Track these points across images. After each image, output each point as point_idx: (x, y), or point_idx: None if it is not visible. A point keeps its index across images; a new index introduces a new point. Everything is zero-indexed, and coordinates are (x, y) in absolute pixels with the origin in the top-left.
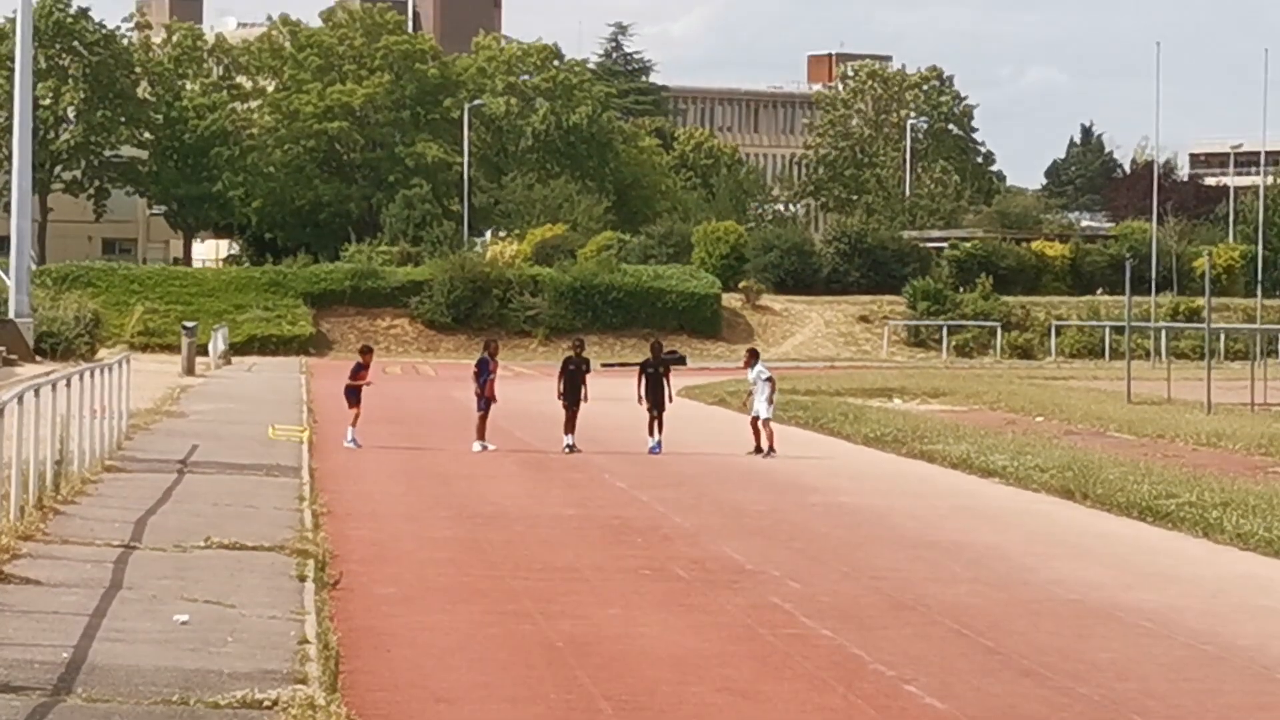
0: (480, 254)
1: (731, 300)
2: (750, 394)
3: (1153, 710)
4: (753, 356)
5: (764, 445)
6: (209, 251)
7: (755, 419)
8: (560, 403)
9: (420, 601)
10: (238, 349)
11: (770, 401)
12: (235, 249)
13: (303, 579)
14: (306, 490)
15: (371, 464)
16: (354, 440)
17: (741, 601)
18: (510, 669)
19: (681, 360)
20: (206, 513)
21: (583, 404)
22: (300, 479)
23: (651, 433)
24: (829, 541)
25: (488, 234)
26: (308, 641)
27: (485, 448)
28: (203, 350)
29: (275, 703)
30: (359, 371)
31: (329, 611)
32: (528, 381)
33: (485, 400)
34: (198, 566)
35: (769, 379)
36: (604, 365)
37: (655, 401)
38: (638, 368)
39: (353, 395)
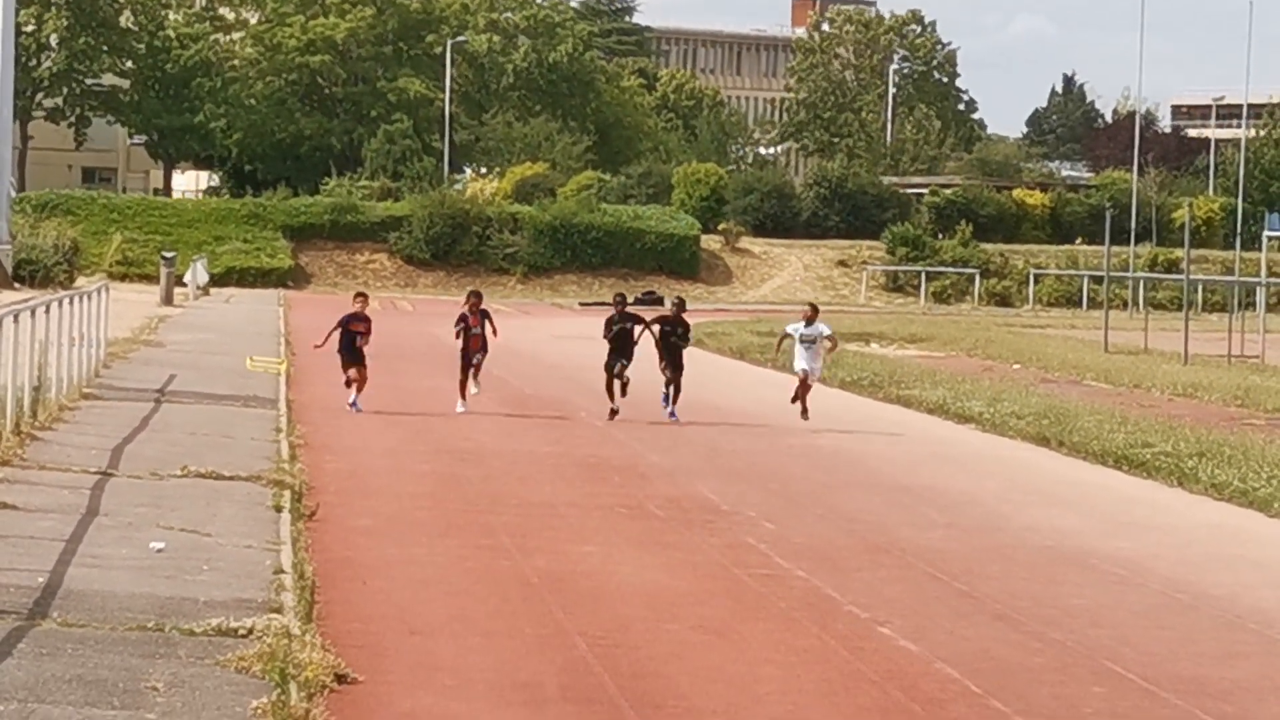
0: (460, 191)
1: (710, 242)
2: (800, 344)
3: (1125, 657)
4: (814, 311)
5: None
6: (189, 182)
7: (807, 376)
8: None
9: (397, 534)
10: (216, 280)
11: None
12: (215, 180)
13: (279, 509)
14: (284, 422)
15: (349, 397)
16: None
17: (717, 541)
18: (486, 603)
19: (659, 301)
20: (183, 442)
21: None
22: (277, 410)
23: (666, 397)
24: (805, 484)
25: (468, 171)
26: (283, 571)
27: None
28: (180, 281)
29: (250, 631)
30: (353, 321)
31: (305, 542)
32: (505, 319)
33: (466, 355)
34: (174, 495)
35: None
36: (581, 304)
37: (671, 363)
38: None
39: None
